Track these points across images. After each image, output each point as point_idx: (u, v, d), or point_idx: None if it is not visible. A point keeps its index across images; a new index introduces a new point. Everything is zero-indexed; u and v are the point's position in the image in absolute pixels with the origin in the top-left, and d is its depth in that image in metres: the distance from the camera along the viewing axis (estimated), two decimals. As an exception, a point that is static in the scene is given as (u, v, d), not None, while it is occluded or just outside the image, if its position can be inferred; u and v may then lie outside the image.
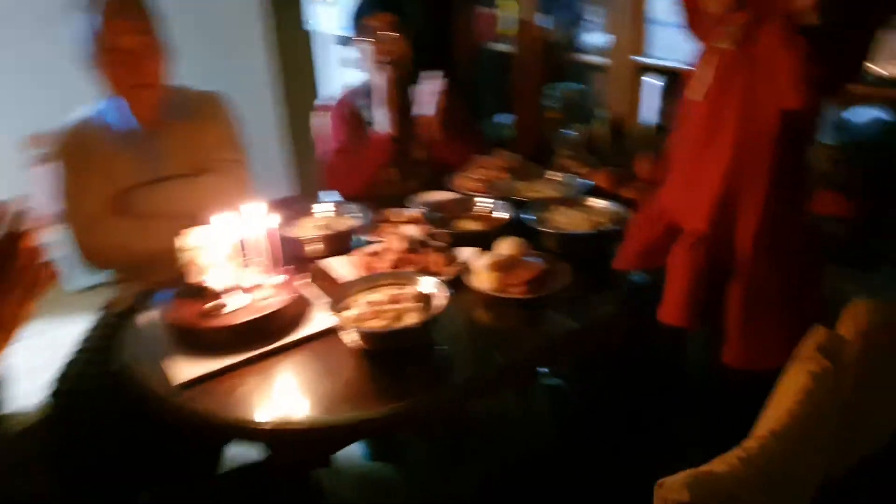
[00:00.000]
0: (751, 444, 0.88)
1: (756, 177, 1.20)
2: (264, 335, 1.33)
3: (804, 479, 0.96)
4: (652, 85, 2.14)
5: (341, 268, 1.61)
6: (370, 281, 1.43)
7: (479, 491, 1.81)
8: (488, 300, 1.44)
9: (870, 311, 1.00)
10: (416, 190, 2.08)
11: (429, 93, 2.05)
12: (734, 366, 1.24)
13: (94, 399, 1.59)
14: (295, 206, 1.90)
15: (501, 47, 2.76)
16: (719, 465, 0.83)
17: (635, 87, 2.12)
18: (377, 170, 2.15)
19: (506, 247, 1.51)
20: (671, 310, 1.30)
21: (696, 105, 1.28)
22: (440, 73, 2.04)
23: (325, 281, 1.58)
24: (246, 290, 1.40)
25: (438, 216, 1.78)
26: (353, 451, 2.20)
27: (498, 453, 1.99)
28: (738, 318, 1.23)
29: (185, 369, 1.26)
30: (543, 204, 1.75)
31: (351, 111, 2.22)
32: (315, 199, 1.98)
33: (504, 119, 2.75)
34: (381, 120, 2.06)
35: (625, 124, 2.17)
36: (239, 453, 1.64)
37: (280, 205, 1.52)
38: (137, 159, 1.82)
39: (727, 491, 0.82)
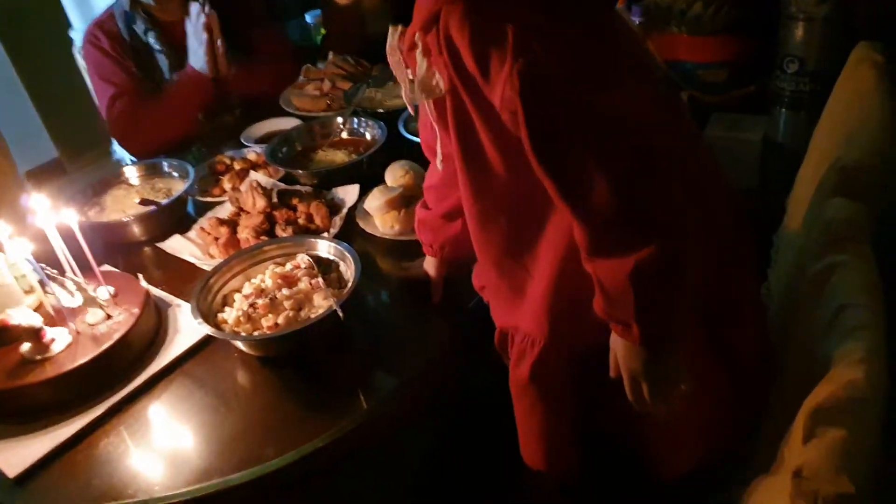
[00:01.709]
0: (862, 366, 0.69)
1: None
2: (116, 374, 0.95)
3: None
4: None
5: (188, 250, 1.21)
6: (243, 260, 1.07)
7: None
8: (398, 248, 1.15)
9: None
10: (236, 126, 1.66)
11: (192, 30, 1.58)
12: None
13: None
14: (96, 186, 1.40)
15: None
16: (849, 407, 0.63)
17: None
18: (192, 117, 1.69)
19: (397, 175, 1.21)
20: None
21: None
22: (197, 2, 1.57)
23: (171, 273, 1.19)
24: (69, 318, 0.98)
25: (287, 152, 1.41)
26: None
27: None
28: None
29: (16, 454, 0.87)
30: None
31: (115, 42, 1.67)
32: (78, 158, 1.49)
33: (312, 18, 2.33)
34: (199, 56, 1.58)
35: None
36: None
37: (44, 173, 1.08)
38: None
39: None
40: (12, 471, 0.85)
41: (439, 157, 0.87)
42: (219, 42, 1.56)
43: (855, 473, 0.57)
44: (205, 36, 1.55)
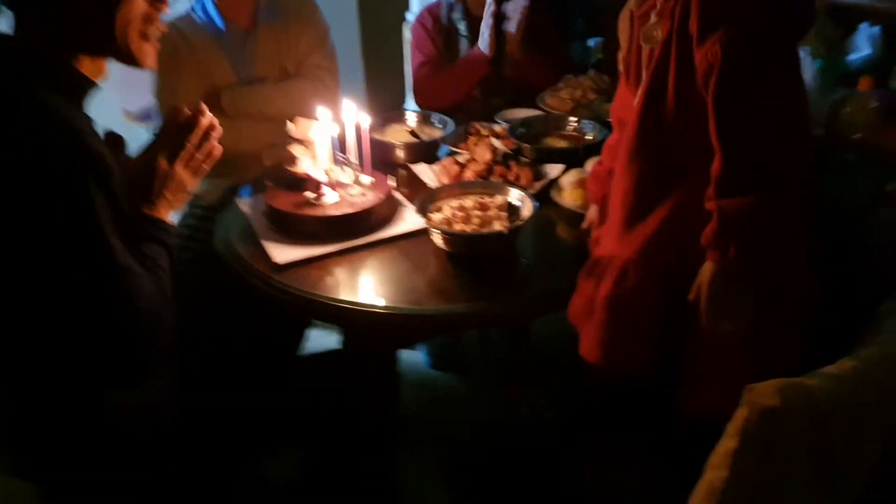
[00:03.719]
0: (848, 363, 0.89)
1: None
2: (357, 229, 1.40)
3: (890, 405, 0.96)
4: None
5: (428, 174, 1.65)
6: (461, 187, 1.46)
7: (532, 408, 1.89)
8: (572, 217, 1.46)
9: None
10: (500, 107, 2.07)
11: (512, 9, 2.02)
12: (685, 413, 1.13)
13: (188, 281, 1.70)
14: (383, 115, 1.93)
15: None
16: (811, 378, 0.85)
17: None
18: (466, 89, 2.14)
19: (594, 164, 1.51)
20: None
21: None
22: None
23: (412, 185, 1.63)
24: (339, 187, 1.46)
25: (524, 132, 1.78)
26: (417, 359, 2.30)
27: (555, 374, 2.03)
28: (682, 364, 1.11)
29: (285, 252, 1.35)
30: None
31: (436, 23, 2.20)
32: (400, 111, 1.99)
33: (594, 42, 2.69)
34: (484, 38, 2.04)
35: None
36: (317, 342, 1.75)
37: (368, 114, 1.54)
38: (230, 61, 1.86)
39: (817, 402, 0.83)
40: (278, 259, 1.33)
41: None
42: (514, 27, 2.00)
43: (789, 399, 0.77)
44: (490, 21, 1.99)
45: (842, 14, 2.03)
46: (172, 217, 1.19)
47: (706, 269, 0.99)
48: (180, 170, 1.14)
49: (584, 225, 1.33)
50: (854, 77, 1.80)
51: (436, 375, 2.27)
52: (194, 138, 1.14)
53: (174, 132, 1.16)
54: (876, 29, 1.94)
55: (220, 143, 1.22)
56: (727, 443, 0.83)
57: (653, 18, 1.02)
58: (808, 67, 1.98)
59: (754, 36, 0.90)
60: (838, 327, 1.12)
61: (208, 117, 1.16)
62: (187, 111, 1.17)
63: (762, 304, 1.00)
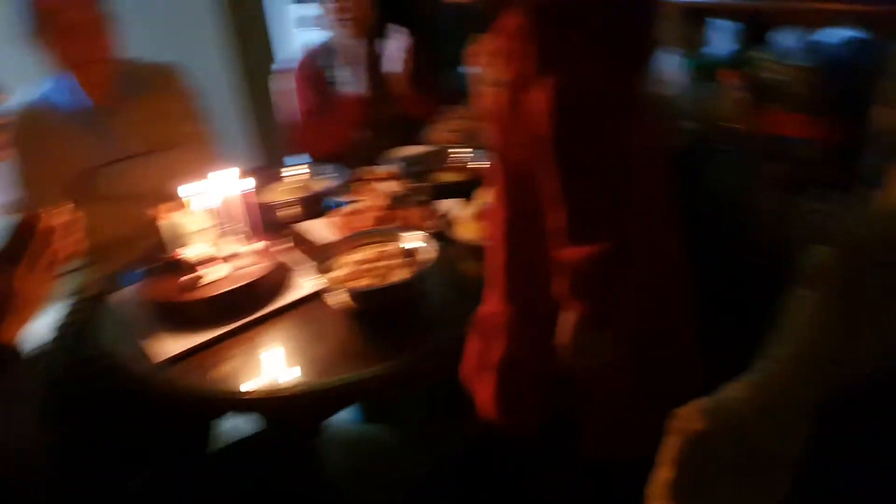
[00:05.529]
0: (760, 364, 0.88)
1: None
2: (247, 305, 1.29)
3: (806, 397, 0.96)
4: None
5: (320, 230, 1.57)
6: (354, 240, 1.38)
7: (469, 447, 1.82)
8: (475, 250, 1.41)
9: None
10: (391, 147, 2.03)
11: (396, 49, 2.00)
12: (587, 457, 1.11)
13: (70, 387, 1.54)
14: (264, 173, 1.84)
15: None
16: (729, 390, 0.83)
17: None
18: (348, 131, 2.11)
19: (490, 194, 1.48)
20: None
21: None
22: (405, 30, 2.00)
23: (304, 245, 1.54)
24: (224, 260, 1.35)
25: (416, 170, 1.74)
26: (344, 415, 2.19)
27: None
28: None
29: (168, 346, 1.22)
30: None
31: (314, 72, 2.15)
32: (281, 165, 1.92)
33: (464, 70, 2.70)
34: (350, 80, 2.01)
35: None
36: (231, 428, 1.62)
37: (248, 175, 1.47)
38: (94, 139, 1.73)
39: (739, 415, 0.81)
40: (160, 357, 1.19)
41: None
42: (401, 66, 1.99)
43: (713, 418, 0.74)
44: (365, 63, 1.98)
45: (697, 12, 2.12)
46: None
47: (564, 316, 0.96)
48: (20, 284, 1.02)
49: None
50: (716, 69, 1.88)
51: (367, 430, 2.18)
52: (33, 246, 1.03)
53: (14, 244, 1.05)
54: (730, 23, 2.03)
55: (98, 229, 1.10)
56: (662, 473, 0.80)
57: (500, 62, 0.98)
58: (673, 64, 2.05)
59: (584, 83, 0.86)
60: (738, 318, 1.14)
61: (46, 219, 1.05)
62: (25, 218, 1.06)
63: (632, 341, 0.99)
